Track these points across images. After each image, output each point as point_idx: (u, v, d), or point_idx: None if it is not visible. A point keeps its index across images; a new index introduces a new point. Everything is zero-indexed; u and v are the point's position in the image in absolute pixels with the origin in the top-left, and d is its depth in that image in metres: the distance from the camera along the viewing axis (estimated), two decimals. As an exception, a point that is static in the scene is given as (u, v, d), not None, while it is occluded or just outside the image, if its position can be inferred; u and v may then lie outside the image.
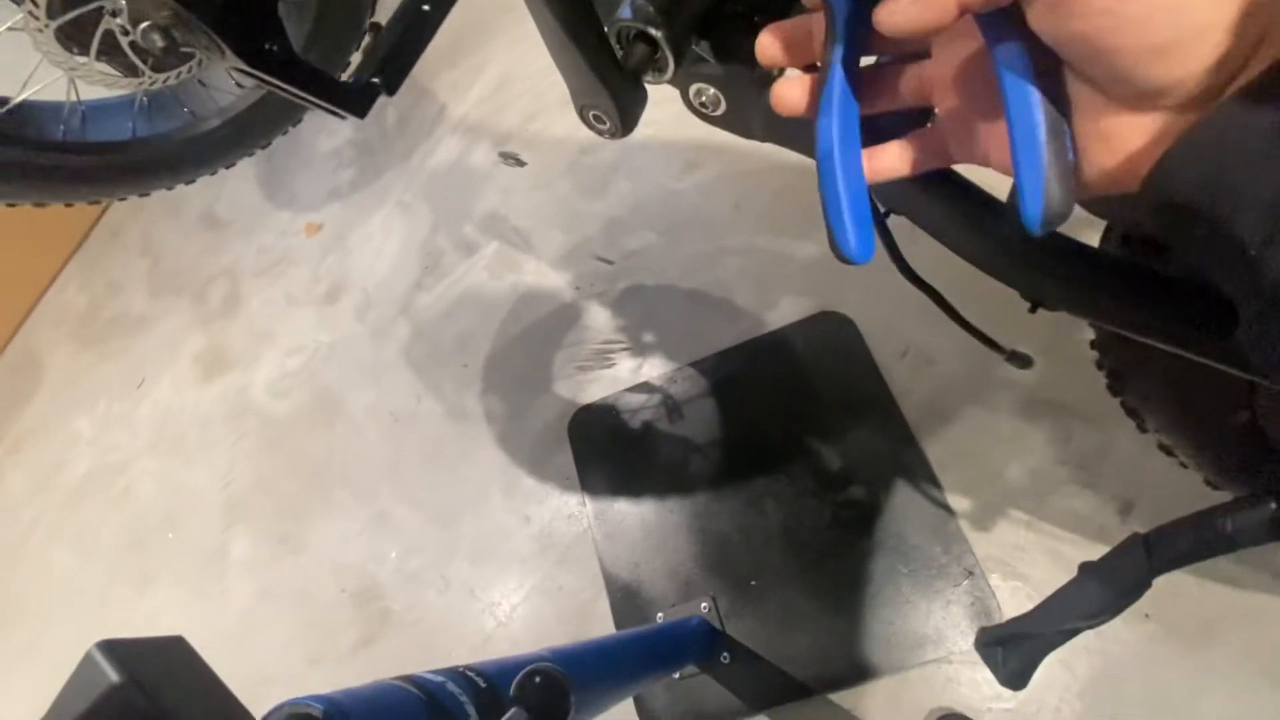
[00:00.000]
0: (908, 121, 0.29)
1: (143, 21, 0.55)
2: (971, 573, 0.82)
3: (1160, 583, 0.34)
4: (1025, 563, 0.81)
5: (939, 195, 0.32)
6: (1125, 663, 0.74)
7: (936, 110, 0.28)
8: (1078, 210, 0.31)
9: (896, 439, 0.90)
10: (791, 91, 0.28)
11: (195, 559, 1.32)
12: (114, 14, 0.69)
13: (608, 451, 1.06)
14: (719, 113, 0.35)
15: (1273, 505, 0.29)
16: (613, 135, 0.37)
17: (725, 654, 0.87)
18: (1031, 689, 0.77)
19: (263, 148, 1.12)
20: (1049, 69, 0.22)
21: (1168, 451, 0.50)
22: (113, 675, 0.19)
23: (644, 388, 1.08)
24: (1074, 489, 0.82)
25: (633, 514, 1.01)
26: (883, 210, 0.38)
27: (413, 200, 1.48)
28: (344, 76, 0.64)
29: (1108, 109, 0.21)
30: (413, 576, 1.12)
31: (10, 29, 0.73)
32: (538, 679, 0.29)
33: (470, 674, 0.36)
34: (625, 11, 0.31)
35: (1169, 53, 0.19)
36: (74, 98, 0.85)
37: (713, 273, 1.12)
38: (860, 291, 1.00)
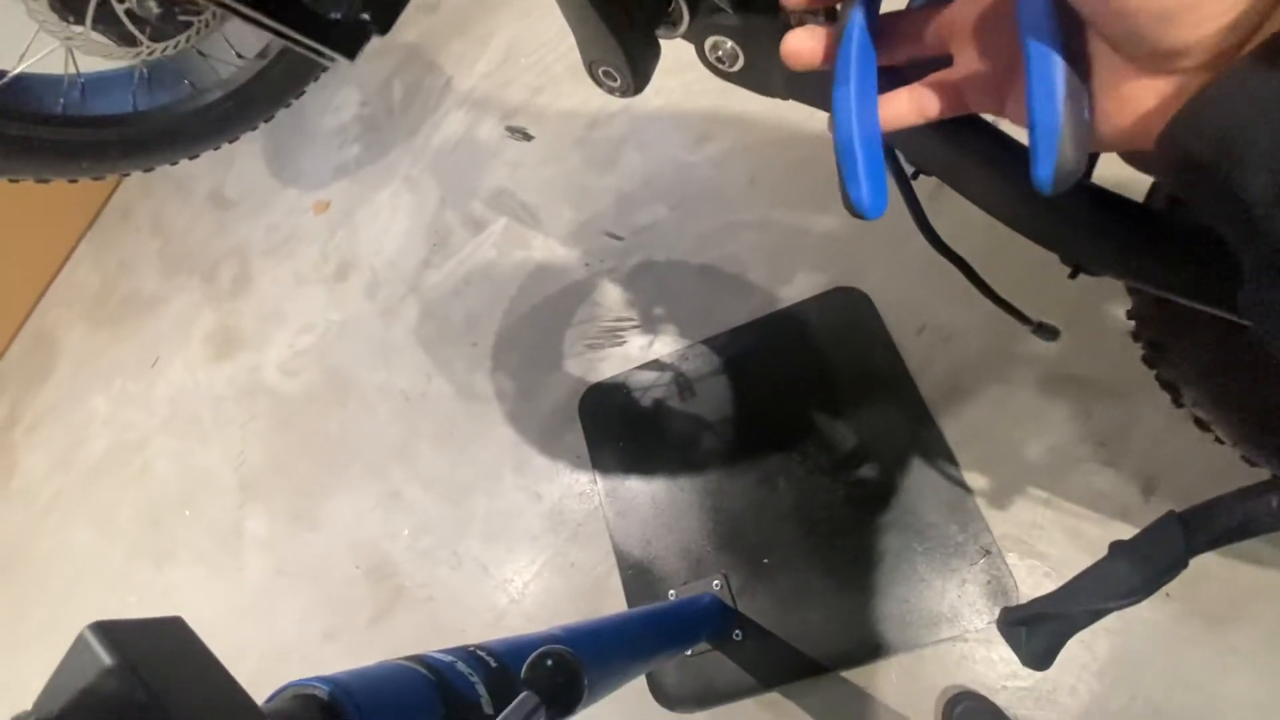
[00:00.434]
0: (920, 72, 0.28)
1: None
2: (988, 551, 0.81)
3: (1183, 561, 0.33)
4: (1044, 541, 0.79)
5: (972, 150, 0.30)
6: (1146, 642, 0.73)
7: (955, 58, 0.27)
8: (1119, 170, 0.29)
9: (912, 416, 0.89)
10: (805, 42, 0.27)
11: (212, 536, 1.33)
12: (109, -20, 0.67)
13: (619, 430, 1.06)
14: (736, 68, 0.33)
15: (1319, 483, 0.27)
16: (624, 93, 0.35)
17: (737, 631, 0.87)
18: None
19: (266, 121, 1.10)
20: (1072, 26, 0.22)
21: (1204, 427, 0.48)
22: (105, 658, 0.18)
23: (655, 365, 1.07)
24: (1094, 466, 0.80)
25: (644, 492, 1.00)
26: (910, 172, 0.36)
27: (420, 176, 1.46)
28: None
29: (1125, 69, 0.22)
30: (425, 554, 1.12)
31: (5, -1, 0.71)
32: (549, 661, 0.28)
33: (481, 653, 0.35)
34: (637, -41, 0.29)
35: (1182, 15, 0.19)
36: (72, 70, 0.84)
37: (725, 248, 1.09)
38: (877, 267, 0.98)
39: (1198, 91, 0.21)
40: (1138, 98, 0.22)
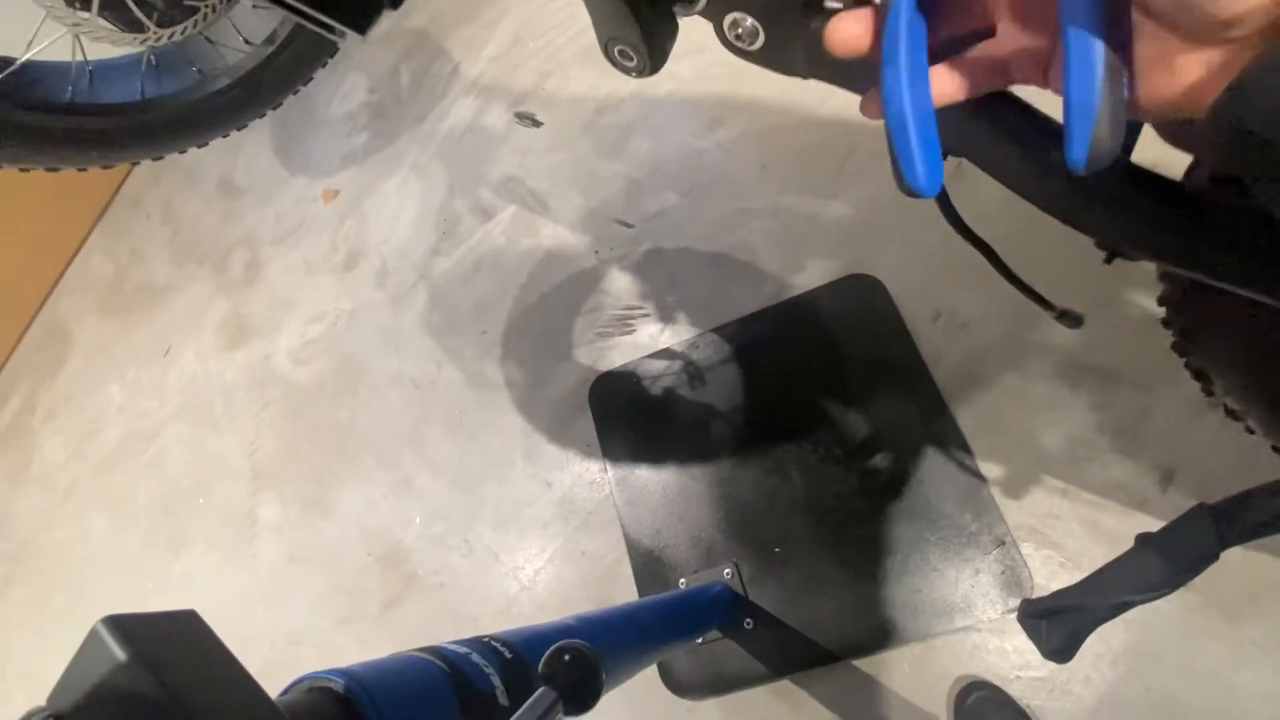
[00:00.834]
0: (957, 46, 0.27)
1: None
2: (1003, 541, 0.80)
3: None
4: (1059, 532, 0.79)
5: (1004, 128, 0.29)
6: (1161, 633, 0.72)
7: (999, 30, 0.26)
8: (1158, 150, 0.27)
9: (927, 405, 0.88)
10: (851, 28, 0.26)
11: (226, 524, 1.35)
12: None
13: (629, 418, 1.05)
14: (757, 46, 0.32)
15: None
16: (639, 73, 0.34)
17: (748, 619, 0.87)
18: (1064, 658, 0.76)
19: (274, 108, 1.09)
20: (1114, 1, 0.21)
21: (1235, 416, 0.47)
22: (119, 653, 0.18)
23: (665, 354, 1.06)
24: (1113, 457, 0.79)
25: (654, 480, 1.00)
26: (942, 152, 0.35)
27: (428, 163, 1.45)
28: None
29: (1172, 41, 0.21)
30: (437, 541, 1.13)
31: (13, -14, 0.71)
32: (567, 657, 0.28)
33: (495, 644, 0.35)
34: (654, -67, 0.28)
35: None
36: (80, 58, 0.83)
37: (737, 235, 1.08)
38: (891, 253, 0.96)
39: (1253, 62, 0.20)
40: (1186, 68, 0.21)
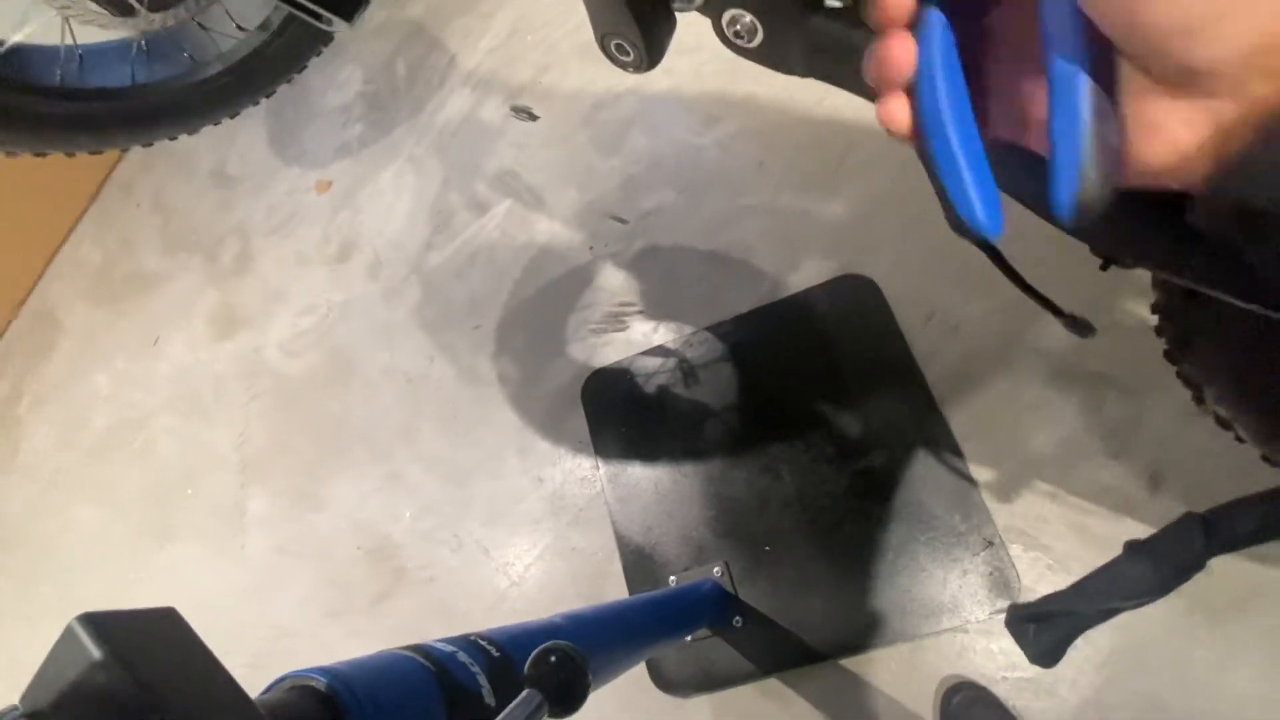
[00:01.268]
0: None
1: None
2: (991, 543, 0.80)
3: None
4: (1047, 534, 0.79)
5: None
6: (1149, 636, 0.72)
7: (1024, 90, 0.24)
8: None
9: (918, 406, 0.88)
10: (898, 53, 0.23)
11: (214, 516, 1.34)
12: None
13: (622, 415, 1.05)
14: (755, 44, 0.31)
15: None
16: (636, 69, 0.34)
17: (738, 618, 0.87)
18: (1050, 660, 0.77)
19: (267, 96, 1.08)
20: (1100, 42, 0.20)
21: (1225, 425, 0.47)
22: (94, 651, 0.17)
23: (659, 351, 1.06)
24: (1102, 460, 0.79)
25: (646, 477, 1.00)
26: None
27: (423, 156, 1.44)
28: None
29: (1153, 92, 0.20)
30: (427, 535, 1.13)
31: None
32: (553, 658, 0.27)
33: (482, 642, 0.35)
34: (652, -72, 0.27)
35: (1205, 30, 0.18)
36: (69, 41, 0.82)
37: (732, 233, 1.08)
38: (886, 254, 0.96)
39: (1252, 133, 0.19)
40: (1170, 127, 0.20)
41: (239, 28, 0.99)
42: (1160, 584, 0.33)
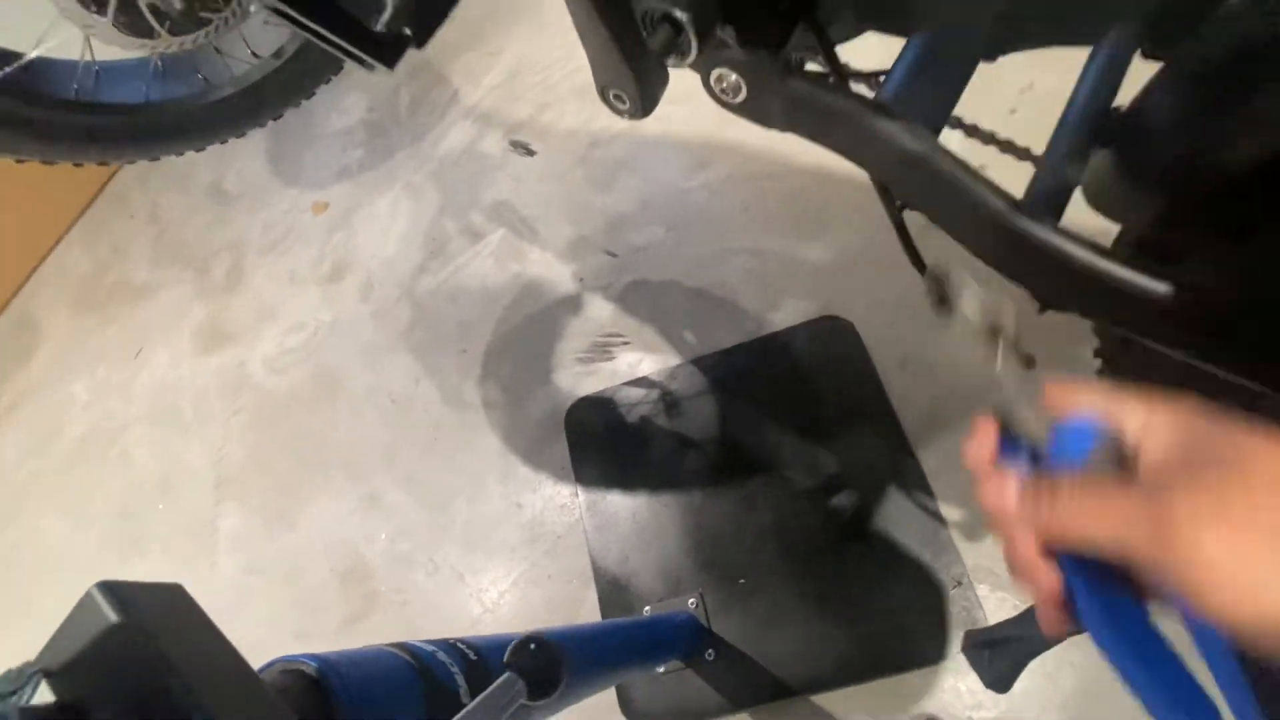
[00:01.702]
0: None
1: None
2: (960, 582, 0.82)
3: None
4: (1014, 574, 0.81)
5: (950, 189, 0.32)
6: (1108, 676, 0.74)
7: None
8: (1088, 215, 0.31)
9: (892, 446, 0.91)
10: (1002, 492, 0.25)
11: (185, 531, 1.31)
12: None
13: (603, 444, 1.06)
14: (739, 100, 0.35)
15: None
16: (631, 116, 0.37)
17: (710, 650, 0.87)
18: (1013, 699, 0.78)
19: (275, 119, 1.11)
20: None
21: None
22: (112, 615, 0.19)
23: (643, 382, 1.08)
24: (1066, 504, 0.82)
25: (625, 507, 1.01)
26: (898, 204, 0.38)
27: (421, 183, 1.47)
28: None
29: None
30: (402, 558, 1.12)
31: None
32: (533, 645, 0.29)
33: (461, 646, 0.36)
34: (653, -7, 0.31)
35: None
36: (88, 58, 0.85)
37: (717, 272, 1.12)
38: (864, 297, 1.00)
39: None
40: None
41: (254, 54, 1.03)
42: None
